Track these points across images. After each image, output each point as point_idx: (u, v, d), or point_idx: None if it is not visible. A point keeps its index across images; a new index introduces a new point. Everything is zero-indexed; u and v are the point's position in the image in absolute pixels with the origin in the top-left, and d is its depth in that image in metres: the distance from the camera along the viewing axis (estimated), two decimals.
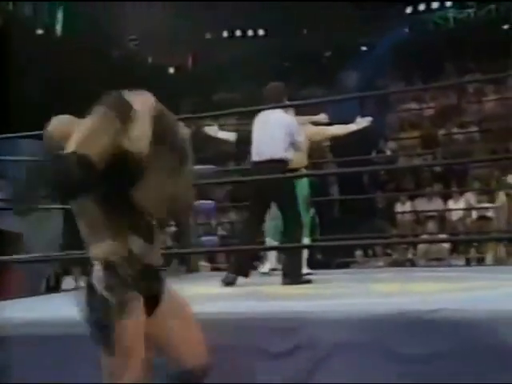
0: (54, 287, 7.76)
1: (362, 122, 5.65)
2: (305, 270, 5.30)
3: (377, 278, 5.45)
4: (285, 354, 2.98)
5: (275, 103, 4.85)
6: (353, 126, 5.67)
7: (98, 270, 2.40)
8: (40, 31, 13.33)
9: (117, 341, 2.37)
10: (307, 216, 5.53)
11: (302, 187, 5.46)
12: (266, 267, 5.90)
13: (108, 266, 2.39)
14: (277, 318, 3.15)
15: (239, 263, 4.87)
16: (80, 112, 2.40)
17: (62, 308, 3.45)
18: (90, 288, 2.40)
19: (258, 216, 4.98)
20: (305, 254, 5.43)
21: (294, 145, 4.92)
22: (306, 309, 3.32)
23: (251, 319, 3.15)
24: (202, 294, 4.18)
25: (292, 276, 4.75)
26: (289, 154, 4.87)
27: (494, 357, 2.73)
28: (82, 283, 2.53)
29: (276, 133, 4.82)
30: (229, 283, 4.68)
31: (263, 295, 4.22)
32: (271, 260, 5.90)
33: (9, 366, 3.28)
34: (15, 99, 9.45)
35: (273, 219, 5.42)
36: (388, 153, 10.75)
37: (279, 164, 4.79)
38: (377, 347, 2.89)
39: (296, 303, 3.69)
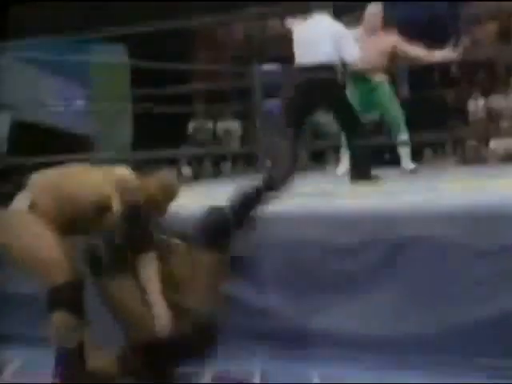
0: None
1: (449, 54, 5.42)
2: (410, 165, 5.59)
3: (445, 175, 5.41)
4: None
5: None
6: (450, 53, 5.41)
7: None
8: None
9: None
10: (399, 110, 5.58)
11: (385, 86, 5.54)
12: (341, 169, 5.83)
13: None
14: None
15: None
16: None
17: None
18: None
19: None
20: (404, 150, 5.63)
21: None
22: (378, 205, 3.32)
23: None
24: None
25: (360, 173, 4.80)
26: (336, 61, 4.78)
27: None
28: None
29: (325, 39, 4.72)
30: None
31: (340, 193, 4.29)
32: (344, 162, 5.75)
33: None
34: None
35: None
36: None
37: (329, 70, 4.74)
38: (449, 241, 2.88)
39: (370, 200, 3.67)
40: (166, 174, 3.03)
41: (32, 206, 2.63)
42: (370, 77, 5.47)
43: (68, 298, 2.67)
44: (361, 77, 5.43)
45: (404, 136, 5.53)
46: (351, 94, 5.34)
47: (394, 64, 5.53)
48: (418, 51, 5.43)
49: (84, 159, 3.47)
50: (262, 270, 3.17)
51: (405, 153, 5.66)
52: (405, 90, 9.89)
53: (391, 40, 5.46)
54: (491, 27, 10.13)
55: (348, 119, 4.86)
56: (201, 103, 9.44)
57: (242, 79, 6.54)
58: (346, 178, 5.02)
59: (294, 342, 3.05)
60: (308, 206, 3.47)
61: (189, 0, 7.15)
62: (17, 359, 3.34)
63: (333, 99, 4.79)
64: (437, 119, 8.27)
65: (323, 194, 4.30)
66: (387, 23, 5.48)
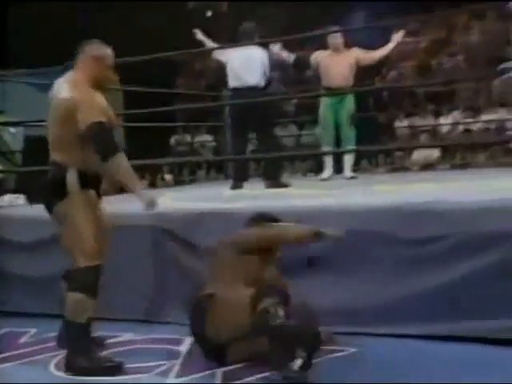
0: None
1: (396, 38, 5.35)
2: (349, 173, 5.39)
3: (379, 180, 5.39)
4: None
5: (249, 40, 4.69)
6: (391, 44, 5.33)
7: None
8: None
9: None
10: (351, 130, 5.33)
11: (348, 102, 5.33)
12: (326, 174, 5.46)
13: None
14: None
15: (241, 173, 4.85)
16: None
17: None
18: None
19: (242, 135, 4.84)
20: (350, 160, 5.41)
21: (265, 74, 4.78)
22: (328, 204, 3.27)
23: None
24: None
25: (272, 180, 4.70)
26: (262, 82, 4.74)
27: (474, 239, 2.71)
28: None
29: (254, 64, 4.71)
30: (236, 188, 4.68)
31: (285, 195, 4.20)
32: (329, 168, 5.48)
33: None
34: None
35: (324, 128, 5.37)
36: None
37: (256, 90, 4.67)
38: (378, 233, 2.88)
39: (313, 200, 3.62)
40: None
41: None
42: (339, 90, 5.29)
43: (93, 279, 2.59)
44: (332, 90, 5.27)
45: (351, 147, 5.32)
46: (324, 105, 5.31)
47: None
48: (373, 54, 5.37)
49: None
50: None
51: (349, 162, 5.44)
52: None
53: (353, 54, 5.32)
54: (413, 63, 10.28)
55: (267, 135, 4.79)
56: (181, 121, 9.45)
57: (215, 101, 6.51)
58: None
59: None
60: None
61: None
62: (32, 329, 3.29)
63: (258, 118, 4.64)
64: (371, 135, 8.32)
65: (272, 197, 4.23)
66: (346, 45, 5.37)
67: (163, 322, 3.26)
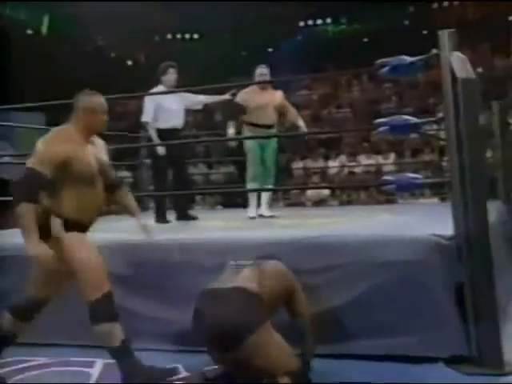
0: None
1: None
2: (267, 212, 4.83)
3: (279, 215, 4.98)
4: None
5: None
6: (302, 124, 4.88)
7: None
8: (29, 31, 12.79)
9: None
10: (274, 168, 4.90)
11: (273, 141, 4.91)
12: (252, 212, 4.79)
13: None
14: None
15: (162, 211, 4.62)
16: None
17: None
18: None
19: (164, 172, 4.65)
20: (266, 197, 4.88)
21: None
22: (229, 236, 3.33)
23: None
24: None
25: (181, 213, 4.64)
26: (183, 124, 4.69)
27: (366, 268, 2.82)
28: None
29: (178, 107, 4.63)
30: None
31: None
32: (254, 205, 4.84)
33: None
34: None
35: (252, 166, 4.76)
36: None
37: (180, 131, 4.66)
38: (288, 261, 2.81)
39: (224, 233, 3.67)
40: None
41: None
42: (266, 127, 4.77)
43: (109, 306, 2.50)
44: (259, 128, 4.74)
45: (270, 185, 4.85)
46: (252, 142, 4.76)
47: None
48: (291, 115, 4.92)
49: None
50: None
51: (267, 200, 4.91)
52: None
53: (279, 94, 4.89)
54: (307, 112, 10.72)
55: (182, 176, 4.65)
56: None
57: (134, 141, 6.48)
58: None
59: None
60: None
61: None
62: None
63: (175, 159, 4.55)
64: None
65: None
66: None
67: (75, 345, 3.10)
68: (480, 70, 11.00)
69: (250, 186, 4.75)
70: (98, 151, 2.69)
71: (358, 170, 8.97)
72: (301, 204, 8.40)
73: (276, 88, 4.96)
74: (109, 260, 2.67)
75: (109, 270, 2.60)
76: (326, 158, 9.46)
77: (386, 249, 2.81)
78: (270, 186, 4.89)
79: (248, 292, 2.40)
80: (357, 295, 2.81)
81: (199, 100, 4.92)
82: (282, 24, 13.19)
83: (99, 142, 2.76)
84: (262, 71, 4.80)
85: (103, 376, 2.70)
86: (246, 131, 4.84)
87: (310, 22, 14.61)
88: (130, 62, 15.16)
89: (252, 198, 4.82)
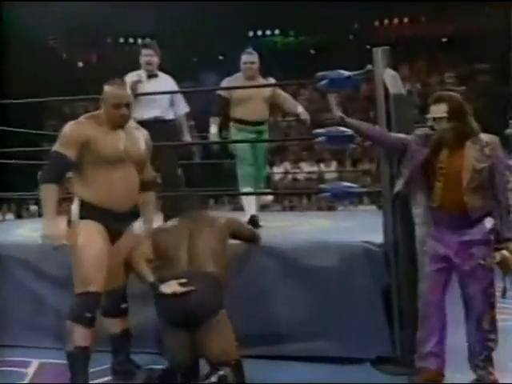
0: None
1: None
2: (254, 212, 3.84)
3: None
4: None
5: None
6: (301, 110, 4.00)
7: None
8: None
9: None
10: (265, 168, 4.14)
11: (266, 134, 4.05)
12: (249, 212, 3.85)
13: None
14: None
15: None
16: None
17: None
18: None
19: None
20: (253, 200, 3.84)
21: None
22: None
23: None
24: None
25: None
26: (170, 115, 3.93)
27: (295, 272, 2.85)
28: None
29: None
30: None
31: None
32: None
33: None
34: None
35: (247, 166, 3.85)
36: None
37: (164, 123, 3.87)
38: None
39: None
40: None
41: None
42: (255, 124, 3.91)
43: (84, 306, 2.43)
44: (249, 124, 3.89)
45: (261, 187, 4.02)
46: (242, 138, 3.87)
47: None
48: (288, 103, 4.06)
49: None
50: None
51: (251, 202, 3.86)
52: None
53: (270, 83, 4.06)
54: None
55: (170, 173, 3.79)
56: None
57: None
58: None
59: None
60: None
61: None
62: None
63: (161, 152, 3.45)
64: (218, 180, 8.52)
65: None
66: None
67: (11, 346, 3.07)
68: (418, 86, 11.40)
69: (244, 190, 3.84)
70: (133, 139, 2.61)
71: (300, 176, 9.08)
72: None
73: (265, 76, 4.07)
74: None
75: None
76: (271, 164, 9.52)
77: (315, 254, 2.86)
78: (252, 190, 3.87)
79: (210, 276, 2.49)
80: (284, 299, 2.85)
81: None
82: (232, 32, 13.24)
83: (141, 132, 2.72)
84: (247, 58, 3.96)
85: (38, 375, 2.68)
86: (233, 130, 3.98)
87: (259, 33, 14.73)
88: (81, 64, 14.84)
89: (248, 202, 3.85)
